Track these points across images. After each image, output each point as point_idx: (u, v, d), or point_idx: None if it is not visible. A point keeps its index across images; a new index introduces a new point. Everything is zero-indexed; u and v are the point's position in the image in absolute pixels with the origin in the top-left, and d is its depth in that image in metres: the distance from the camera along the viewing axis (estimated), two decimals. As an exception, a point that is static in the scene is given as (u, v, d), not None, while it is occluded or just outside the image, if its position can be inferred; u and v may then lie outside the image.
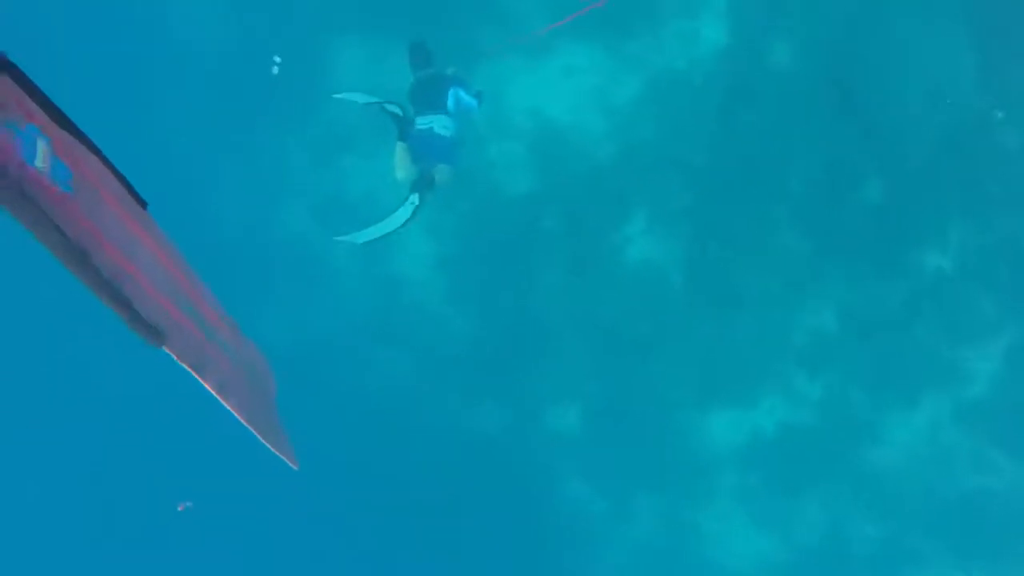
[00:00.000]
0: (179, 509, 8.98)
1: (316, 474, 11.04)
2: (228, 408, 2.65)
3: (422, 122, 6.04)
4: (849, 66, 6.67)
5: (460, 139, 6.27)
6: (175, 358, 2.28)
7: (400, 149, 6.15)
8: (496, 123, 8.72)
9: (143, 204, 2.32)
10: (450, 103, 6.21)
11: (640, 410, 8.88)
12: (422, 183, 6.33)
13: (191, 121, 10.13)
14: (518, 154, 8.69)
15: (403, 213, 6.36)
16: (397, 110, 5.90)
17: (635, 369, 8.67)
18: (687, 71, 7.67)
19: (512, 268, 8.95)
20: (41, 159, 1.61)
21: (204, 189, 10.81)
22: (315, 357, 11.14)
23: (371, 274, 10.27)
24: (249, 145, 10.19)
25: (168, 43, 9.71)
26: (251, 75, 9.65)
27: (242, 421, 2.79)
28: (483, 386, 10.01)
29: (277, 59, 8.36)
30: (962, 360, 7.04)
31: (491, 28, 8.43)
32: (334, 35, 9.08)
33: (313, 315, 10.99)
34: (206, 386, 2.49)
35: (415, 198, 6.28)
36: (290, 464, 3.50)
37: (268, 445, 3.10)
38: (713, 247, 7.74)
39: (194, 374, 2.41)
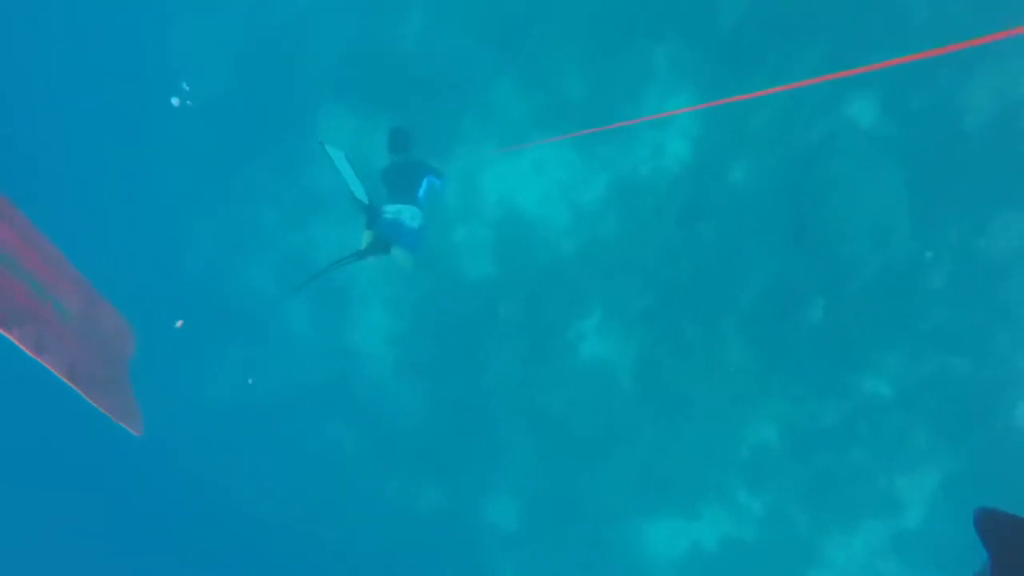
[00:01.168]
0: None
1: (250, 532, 10.53)
2: (45, 366, 2.84)
3: (391, 211, 6.06)
4: (801, 194, 7.02)
5: (425, 230, 6.32)
6: None
7: (367, 235, 6.17)
8: (466, 207, 8.91)
9: None
10: (421, 192, 6.27)
11: (580, 512, 8.65)
12: (374, 249, 6.25)
13: (175, 164, 10.23)
14: (484, 239, 8.84)
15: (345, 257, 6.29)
16: (363, 198, 5.89)
17: (578, 470, 8.52)
18: (652, 179, 7.99)
19: (466, 351, 8.90)
20: None
21: (173, 233, 10.77)
22: (259, 417, 10.82)
23: (327, 341, 10.12)
24: (224, 197, 10.25)
25: (161, 90, 9.92)
26: (238, 129, 9.86)
27: (61, 377, 2.96)
28: (425, 466, 9.72)
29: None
30: (897, 488, 7.04)
31: (473, 115, 8.76)
32: (325, 103, 9.35)
33: (263, 373, 10.74)
34: (12, 340, 2.71)
35: (364, 252, 6.22)
36: (131, 431, 3.43)
37: (93, 403, 3.17)
38: (664, 353, 7.81)
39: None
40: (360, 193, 5.87)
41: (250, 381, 9.52)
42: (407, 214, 6.12)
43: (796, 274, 7.03)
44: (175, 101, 8.94)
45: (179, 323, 9.36)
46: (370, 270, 9.59)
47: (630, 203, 8.09)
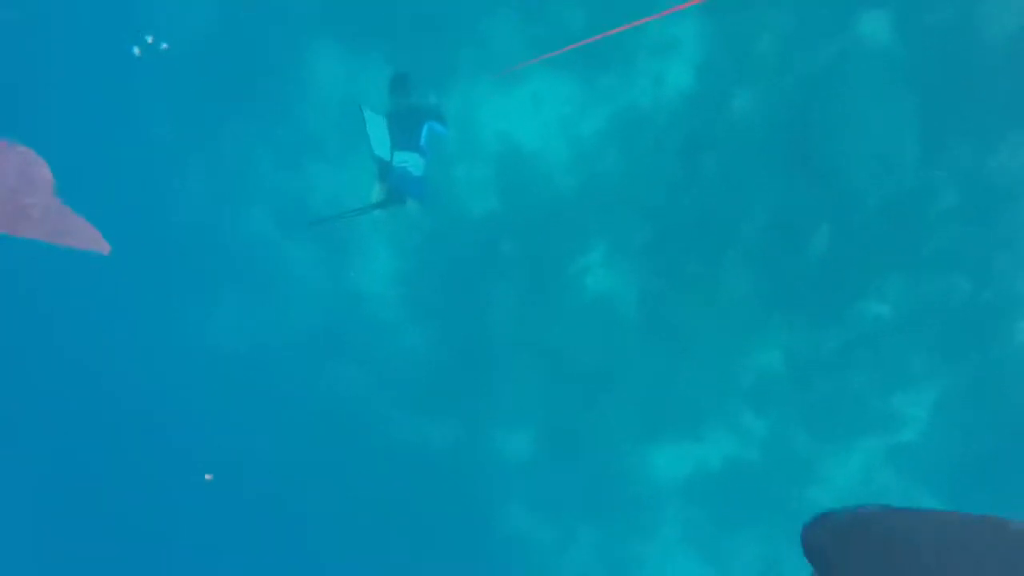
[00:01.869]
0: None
1: (260, 482, 10.97)
2: None
3: (398, 160, 6.18)
4: (807, 124, 6.90)
5: (429, 175, 6.48)
6: None
7: (379, 188, 6.36)
8: (465, 144, 8.76)
9: None
10: (423, 138, 6.33)
11: (588, 440, 8.95)
12: (391, 201, 6.43)
13: (162, 114, 9.95)
14: (484, 176, 8.74)
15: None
16: (385, 156, 6.06)
17: (585, 400, 8.75)
18: (652, 110, 7.83)
19: (470, 289, 8.96)
20: None
21: (167, 183, 10.61)
22: (265, 363, 10.98)
23: (330, 284, 10.17)
24: (216, 142, 10.04)
25: (143, 38, 9.55)
26: (225, 74, 9.55)
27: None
28: (433, 404, 9.97)
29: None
30: (894, 407, 7.29)
31: (469, 50, 8.48)
32: (313, 41, 9.03)
33: (267, 320, 10.83)
34: None
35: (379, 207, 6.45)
36: (98, 250, 3.60)
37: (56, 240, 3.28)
38: (667, 285, 7.88)
39: None
40: (383, 151, 6.02)
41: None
42: (412, 162, 6.24)
43: (800, 203, 7.02)
44: (137, 51, 8.70)
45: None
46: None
47: (631, 136, 7.96)
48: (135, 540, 11.07)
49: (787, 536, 8.73)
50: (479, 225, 8.84)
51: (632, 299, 8.26)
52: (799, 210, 7.03)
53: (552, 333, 8.64)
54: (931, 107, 6.33)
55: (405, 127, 6.31)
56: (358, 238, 9.87)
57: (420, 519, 10.43)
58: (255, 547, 10.90)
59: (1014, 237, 6.25)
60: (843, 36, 6.60)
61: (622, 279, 8.20)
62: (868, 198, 6.67)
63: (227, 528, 10.82)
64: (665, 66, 7.66)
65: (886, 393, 7.30)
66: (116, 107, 9.58)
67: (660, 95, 7.74)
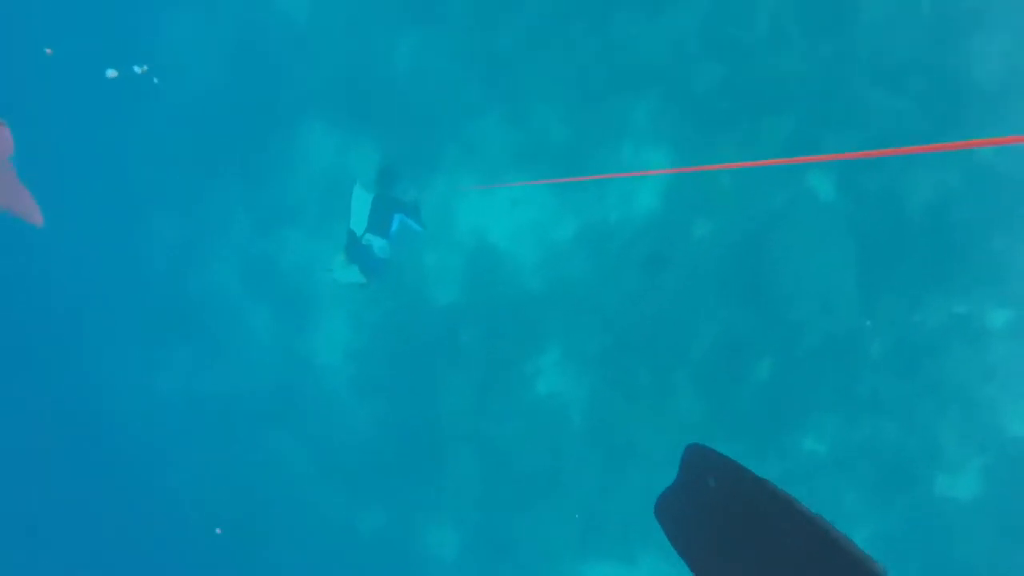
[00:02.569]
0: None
1: (184, 542, 10.25)
2: None
3: (366, 239, 6.61)
4: (758, 258, 7.37)
5: (391, 262, 6.93)
6: None
7: (342, 257, 6.76)
8: (440, 233, 9.05)
9: None
10: (394, 227, 6.79)
11: (519, 548, 8.67)
12: (348, 271, 6.78)
13: (147, 163, 10.17)
14: (453, 267, 8.97)
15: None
16: (358, 231, 6.53)
17: (521, 503, 8.57)
18: (620, 225, 8.27)
19: (422, 374, 8.94)
20: None
21: (142, 229, 10.65)
22: (208, 418, 10.63)
23: (283, 348, 10.05)
24: (197, 194, 10.21)
25: (145, 94, 9.93)
26: (219, 134, 9.89)
27: None
28: (368, 487, 9.64)
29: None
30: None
31: (454, 147, 8.97)
32: (307, 118, 9.47)
33: (217, 374, 10.59)
34: None
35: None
36: (32, 222, 3.55)
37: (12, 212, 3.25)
38: (616, 395, 7.98)
39: None
40: (359, 226, 6.43)
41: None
42: (378, 245, 6.66)
43: (747, 331, 7.33)
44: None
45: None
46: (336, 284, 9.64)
47: (597, 246, 8.34)
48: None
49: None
50: (441, 313, 8.97)
51: (581, 405, 8.32)
52: (746, 337, 7.34)
53: (498, 429, 8.57)
54: (867, 260, 6.85)
55: (381, 214, 6.77)
56: (319, 306, 9.90)
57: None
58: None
59: (935, 389, 6.58)
60: (795, 185, 7.21)
61: (574, 384, 8.29)
62: (809, 335, 7.02)
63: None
64: (635, 188, 8.18)
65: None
66: (104, 147, 9.78)
67: (628, 213, 8.21)
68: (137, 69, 9.12)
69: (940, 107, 6.58)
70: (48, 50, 9.00)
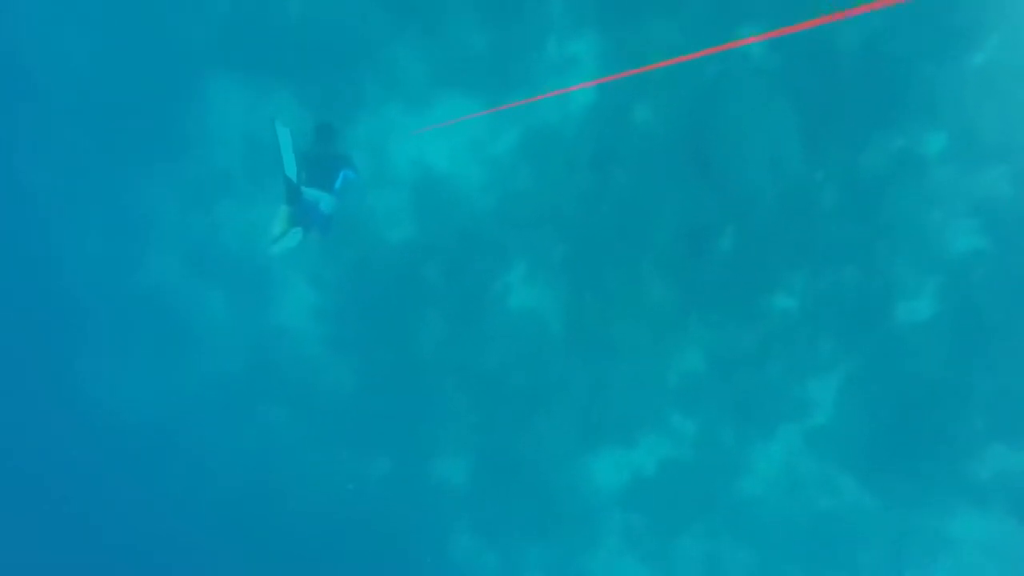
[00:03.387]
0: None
1: (204, 534, 10.39)
2: None
3: (309, 194, 6.27)
4: (702, 132, 7.32)
5: (335, 218, 6.62)
6: None
7: (283, 211, 6.36)
8: (378, 172, 8.71)
9: None
10: (338, 183, 6.47)
11: (525, 460, 8.96)
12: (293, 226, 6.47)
13: (48, 157, 9.39)
14: (400, 203, 8.70)
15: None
16: (292, 176, 6.09)
17: (518, 419, 8.78)
18: (560, 126, 8.06)
19: (394, 318, 8.85)
20: None
21: (60, 233, 9.97)
22: (187, 415, 10.44)
23: (247, 325, 9.78)
24: (114, 186, 9.54)
25: (26, 69, 9.00)
26: (117, 110, 9.11)
27: None
28: (367, 439, 9.73)
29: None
30: (807, 393, 7.72)
31: (374, 78, 8.47)
32: (212, 72, 8.77)
33: (183, 371, 10.31)
34: None
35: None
36: None
37: None
38: (588, 296, 8.06)
39: None
40: (292, 171, 6.08)
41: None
42: (324, 201, 6.41)
43: (704, 207, 7.39)
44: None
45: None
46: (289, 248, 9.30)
47: (541, 153, 8.15)
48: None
49: (725, 529, 9.03)
50: (398, 252, 8.77)
51: (556, 313, 8.39)
52: (704, 214, 7.41)
53: (480, 355, 8.64)
54: (806, 112, 6.87)
55: (322, 171, 6.49)
56: (275, 275, 9.58)
57: (364, 556, 10.10)
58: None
59: (888, 227, 6.83)
60: (725, 51, 7.06)
61: (544, 294, 8.33)
62: (763, 199, 7.12)
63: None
64: (567, 83, 7.92)
65: (799, 380, 7.72)
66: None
67: (566, 111, 7.99)
68: None
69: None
70: None
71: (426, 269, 8.64)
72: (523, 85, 8.14)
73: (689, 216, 7.50)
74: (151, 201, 9.58)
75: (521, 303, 8.52)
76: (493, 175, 8.36)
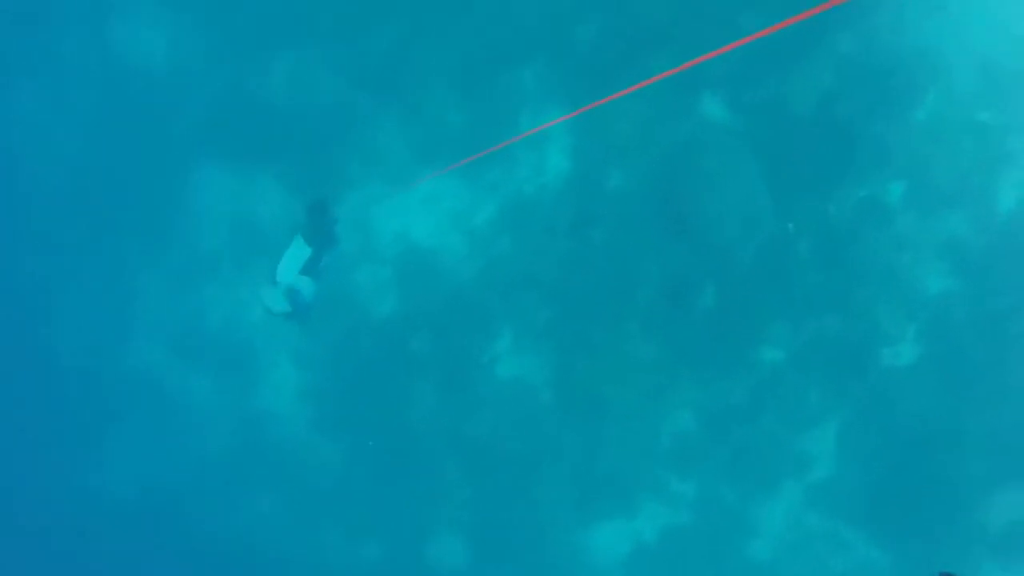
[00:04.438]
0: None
1: None
2: None
3: (295, 282, 6.40)
4: (676, 193, 7.61)
5: (316, 302, 6.74)
6: None
7: (267, 294, 6.49)
8: (362, 248, 8.85)
9: None
10: (322, 264, 6.65)
11: (523, 534, 8.65)
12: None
13: (34, 240, 9.45)
14: (384, 277, 8.80)
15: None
16: (285, 280, 6.27)
17: (514, 492, 8.55)
18: (538, 195, 8.34)
19: (381, 394, 8.75)
20: None
21: (43, 317, 9.88)
22: (173, 504, 10.03)
23: (231, 410, 9.59)
24: (100, 270, 9.57)
25: (14, 155, 9.22)
26: (101, 194, 9.26)
27: None
28: (360, 520, 9.36)
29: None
30: (803, 446, 7.63)
31: (356, 158, 8.77)
32: (197, 159, 9.04)
33: (168, 458, 9.99)
34: None
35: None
36: None
37: None
38: (576, 361, 8.07)
39: None
40: (286, 276, 6.22)
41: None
42: (306, 288, 6.51)
43: (684, 265, 7.56)
44: None
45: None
46: (270, 327, 9.28)
47: (521, 222, 8.38)
48: None
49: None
50: (383, 327, 8.78)
51: (545, 380, 8.36)
52: (684, 271, 7.57)
53: (470, 427, 8.49)
54: (772, 168, 7.21)
55: (307, 252, 6.61)
56: (258, 357, 9.49)
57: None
58: None
59: (863, 274, 7.03)
60: (690, 116, 7.48)
61: (532, 361, 8.32)
62: (740, 254, 7.32)
63: None
64: (542, 156, 8.27)
65: (795, 434, 7.64)
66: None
67: (543, 181, 8.29)
68: None
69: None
70: None
71: (412, 342, 8.63)
72: (501, 159, 8.47)
73: (669, 275, 7.65)
74: (137, 285, 9.61)
75: (509, 372, 8.48)
76: (474, 245, 8.54)
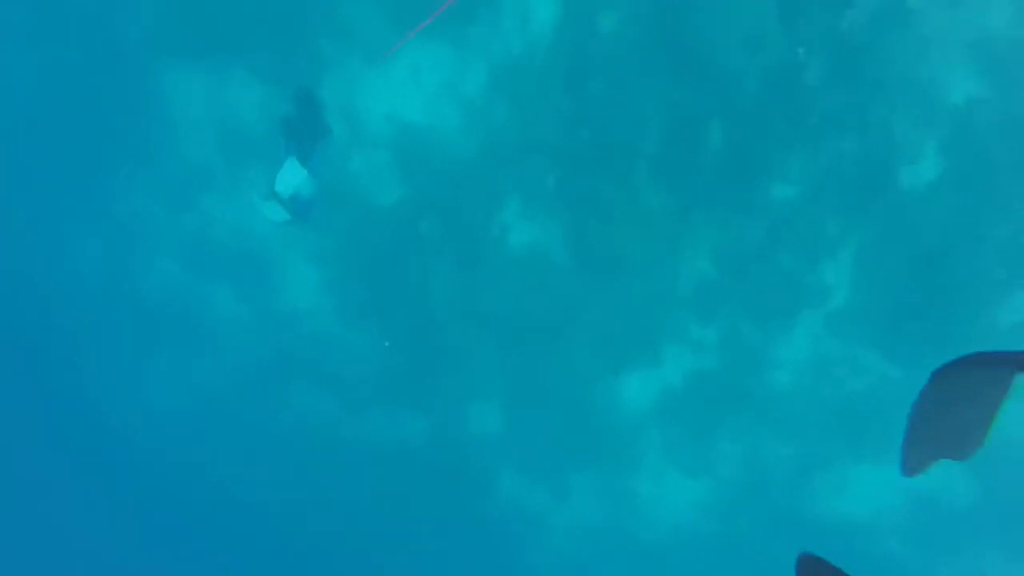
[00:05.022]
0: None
1: (260, 511, 10.72)
2: None
3: (291, 184, 6.22)
4: (673, 26, 7.01)
5: (319, 193, 6.55)
6: None
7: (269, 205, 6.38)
8: (354, 133, 8.51)
9: None
10: (314, 160, 6.39)
11: (557, 393, 9.03)
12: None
13: (21, 178, 9.31)
14: (382, 161, 8.53)
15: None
16: (283, 192, 6.08)
17: (542, 354, 8.80)
18: (528, 52, 7.78)
19: (400, 277, 8.81)
20: None
21: (56, 253, 9.96)
22: (219, 412, 10.63)
23: (258, 314, 9.81)
24: (95, 196, 9.44)
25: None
26: (77, 117, 8.90)
27: None
28: (399, 399, 9.84)
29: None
30: (821, 277, 7.63)
31: (332, 39, 8.19)
32: (167, 63, 8.52)
33: (207, 368, 10.43)
34: None
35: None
36: None
37: None
38: (588, 219, 7.95)
39: None
40: (284, 188, 5.94)
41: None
42: (304, 185, 6.33)
43: (688, 103, 7.16)
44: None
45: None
46: (279, 231, 9.22)
47: (514, 83, 7.90)
48: None
49: (761, 425, 9.07)
50: (391, 212, 8.66)
51: (559, 242, 8.29)
52: (689, 110, 7.18)
53: (492, 299, 8.60)
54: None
55: (299, 143, 6.36)
56: (274, 259, 9.53)
57: (415, 512, 10.39)
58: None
59: (881, 83, 6.57)
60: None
61: (544, 225, 8.22)
62: (746, 82, 6.87)
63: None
64: (527, 4, 7.62)
65: (812, 266, 7.62)
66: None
67: (531, 35, 7.70)
68: None
69: None
70: None
71: (422, 224, 8.54)
72: (484, 15, 7.83)
73: (674, 116, 7.28)
74: (136, 206, 9.51)
75: (522, 239, 8.42)
76: (470, 115, 8.14)
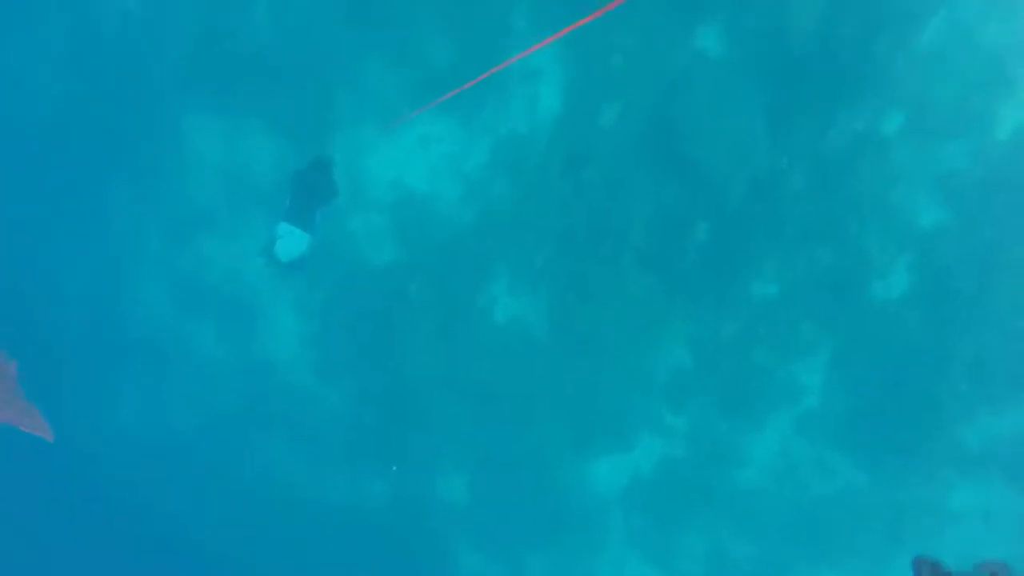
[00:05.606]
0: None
1: (210, 555, 10.24)
2: None
3: (291, 236, 6.46)
4: (669, 129, 7.51)
5: (309, 255, 6.79)
6: None
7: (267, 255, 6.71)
8: (357, 195, 8.80)
9: None
10: (317, 220, 6.66)
11: (524, 469, 8.98)
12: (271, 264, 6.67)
13: (31, 198, 9.41)
14: (380, 224, 8.79)
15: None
16: (286, 257, 6.42)
17: (515, 429, 8.81)
18: (531, 134, 8.23)
19: (382, 338, 8.89)
20: None
21: (45, 265, 9.93)
22: (184, 450, 10.36)
23: (237, 359, 9.78)
24: (98, 223, 9.57)
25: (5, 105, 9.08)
26: (97, 146, 9.14)
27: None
28: (365, 462, 9.70)
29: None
30: (794, 377, 7.83)
31: (346, 101, 8.59)
32: (187, 109, 8.87)
33: (177, 406, 10.26)
34: None
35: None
36: (45, 437, 4.24)
37: (21, 427, 3.82)
38: (572, 300, 8.17)
39: None
40: (289, 253, 6.46)
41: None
42: (302, 243, 6.64)
43: (677, 201, 7.55)
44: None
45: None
46: (270, 279, 9.35)
47: (514, 163, 8.30)
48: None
49: (725, 521, 9.02)
50: (382, 274, 8.84)
51: (542, 320, 8.48)
52: (677, 207, 7.57)
53: (471, 369, 8.67)
54: (768, 101, 7.08)
55: (304, 204, 6.60)
56: (260, 306, 9.60)
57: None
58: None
59: (856, 206, 7.02)
60: (684, 49, 7.28)
61: (529, 302, 8.42)
62: (732, 188, 7.29)
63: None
64: (534, 92, 8.11)
65: (785, 365, 7.83)
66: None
67: (535, 120, 8.16)
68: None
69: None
70: None
71: (410, 288, 8.71)
72: (493, 97, 8.31)
73: (663, 211, 7.65)
74: (134, 237, 9.63)
75: (506, 313, 8.60)
76: (469, 188, 8.49)
